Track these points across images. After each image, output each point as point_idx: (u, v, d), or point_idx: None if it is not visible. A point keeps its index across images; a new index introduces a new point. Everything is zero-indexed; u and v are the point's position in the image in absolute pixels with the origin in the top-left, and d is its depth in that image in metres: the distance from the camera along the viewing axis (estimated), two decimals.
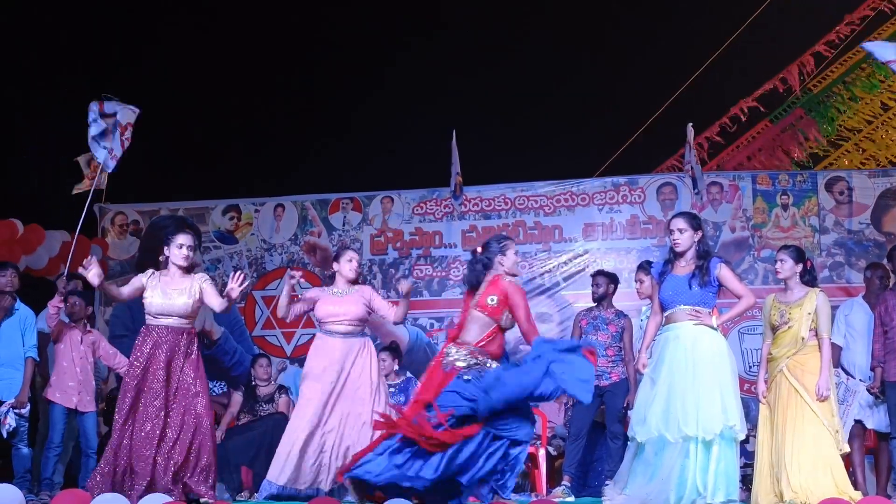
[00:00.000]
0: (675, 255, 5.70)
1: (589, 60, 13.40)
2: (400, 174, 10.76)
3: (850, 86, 10.79)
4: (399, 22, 12.53)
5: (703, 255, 5.64)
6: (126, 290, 6.01)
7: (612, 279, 7.57)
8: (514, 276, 5.48)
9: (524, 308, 5.28)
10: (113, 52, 11.43)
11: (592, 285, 7.57)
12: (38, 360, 6.94)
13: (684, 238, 5.64)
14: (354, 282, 6.54)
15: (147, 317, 5.95)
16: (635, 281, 7.40)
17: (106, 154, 6.99)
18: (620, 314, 7.45)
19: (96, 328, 8.72)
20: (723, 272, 5.59)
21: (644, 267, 7.18)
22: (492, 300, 5.28)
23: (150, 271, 6.03)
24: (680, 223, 5.68)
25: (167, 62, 11.71)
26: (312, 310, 6.57)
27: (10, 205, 8.64)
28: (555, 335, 8.87)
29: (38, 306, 7.19)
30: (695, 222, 5.70)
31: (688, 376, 5.48)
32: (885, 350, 6.60)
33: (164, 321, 5.91)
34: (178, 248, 5.98)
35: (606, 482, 7.07)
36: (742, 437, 5.47)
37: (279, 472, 6.17)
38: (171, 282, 5.96)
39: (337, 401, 6.28)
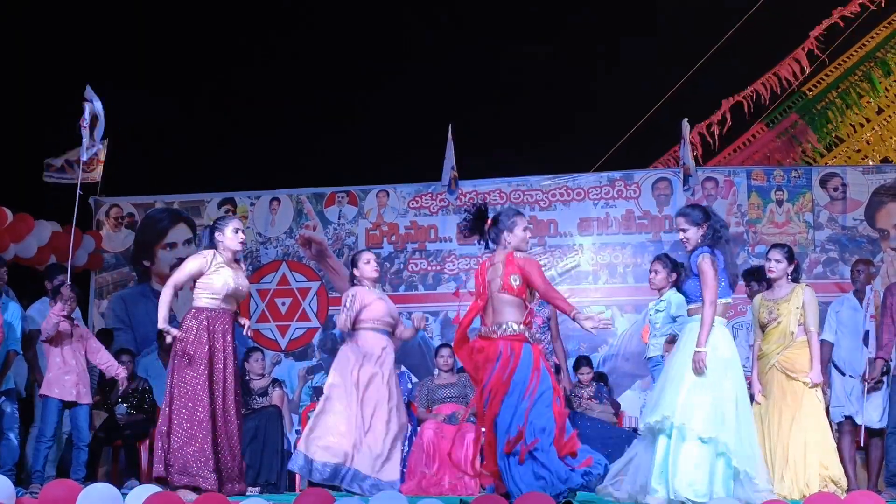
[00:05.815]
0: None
1: (585, 55, 13.41)
2: (396, 168, 10.76)
3: (844, 93, 10.80)
4: (396, 17, 12.53)
5: (713, 244, 5.20)
6: None
7: None
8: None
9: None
10: (110, 44, 11.42)
11: (539, 305, 6.92)
12: (19, 352, 6.96)
13: (689, 236, 5.27)
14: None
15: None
16: (650, 272, 6.97)
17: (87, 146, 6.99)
18: (543, 303, 7.04)
19: (90, 323, 8.73)
20: (701, 264, 5.12)
21: (661, 258, 6.84)
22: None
23: None
24: (681, 223, 5.31)
25: (164, 56, 11.71)
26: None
27: (2, 195, 8.62)
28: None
29: (23, 295, 7.21)
30: (695, 217, 5.26)
31: (665, 370, 5.41)
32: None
33: None
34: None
35: None
36: (697, 432, 4.90)
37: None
38: None
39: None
